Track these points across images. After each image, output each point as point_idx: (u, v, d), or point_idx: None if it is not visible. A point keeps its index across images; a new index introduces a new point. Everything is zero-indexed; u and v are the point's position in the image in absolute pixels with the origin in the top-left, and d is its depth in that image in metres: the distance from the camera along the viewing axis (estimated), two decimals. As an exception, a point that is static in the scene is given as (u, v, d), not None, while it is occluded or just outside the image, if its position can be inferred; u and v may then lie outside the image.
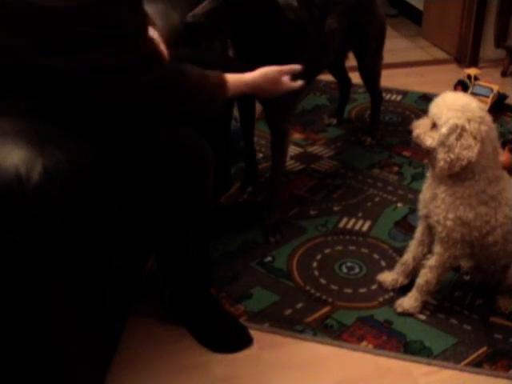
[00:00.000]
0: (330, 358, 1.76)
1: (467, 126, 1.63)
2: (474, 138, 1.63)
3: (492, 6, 3.54)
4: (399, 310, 1.89)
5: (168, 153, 1.51)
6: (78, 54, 1.31)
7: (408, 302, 1.89)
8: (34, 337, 1.36)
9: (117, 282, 1.69)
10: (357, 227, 2.27)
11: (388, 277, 1.99)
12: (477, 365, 1.73)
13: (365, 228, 2.27)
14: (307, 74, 2.02)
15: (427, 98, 3.18)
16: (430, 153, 1.72)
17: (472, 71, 3.20)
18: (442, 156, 1.67)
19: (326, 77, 2.98)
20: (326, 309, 1.91)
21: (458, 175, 1.69)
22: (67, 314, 1.42)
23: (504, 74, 3.49)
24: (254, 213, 2.27)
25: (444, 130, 1.65)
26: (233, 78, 1.64)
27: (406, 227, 2.25)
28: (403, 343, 1.79)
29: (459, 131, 1.63)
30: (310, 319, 1.87)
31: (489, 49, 3.63)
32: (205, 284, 1.82)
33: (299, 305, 1.92)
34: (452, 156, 1.65)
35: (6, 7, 1.25)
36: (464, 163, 1.64)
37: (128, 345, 1.77)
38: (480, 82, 3.09)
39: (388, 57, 2.80)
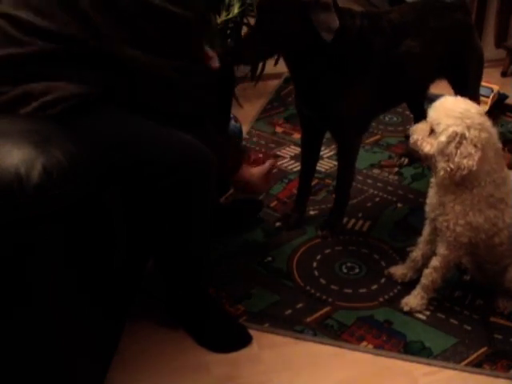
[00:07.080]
0: (330, 358, 1.76)
1: (467, 134, 1.59)
2: (475, 145, 1.59)
3: (492, 6, 3.54)
4: (406, 308, 1.89)
5: (167, 152, 1.51)
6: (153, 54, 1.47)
7: (414, 300, 1.89)
8: (33, 337, 1.35)
9: (117, 282, 1.69)
10: (357, 227, 2.28)
11: (398, 270, 2.01)
12: (477, 365, 1.73)
13: (365, 228, 2.27)
14: (382, 96, 2.02)
15: (427, 99, 3.17)
16: (428, 159, 1.69)
17: (472, 71, 3.20)
18: (441, 165, 1.64)
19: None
20: (326, 309, 1.91)
21: (464, 183, 1.67)
22: (67, 314, 1.42)
23: (504, 74, 3.49)
24: (255, 210, 2.28)
25: (443, 138, 1.61)
26: None
27: (405, 227, 2.25)
28: (403, 343, 1.79)
29: (458, 139, 1.59)
30: (309, 319, 1.87)
31: (489, 49, 3.63)
32: (205, 284, 1.82)
33: (299, 305, 1.92)
34: (452, 165, 1.61)
35: None
36: (464, 172, 1.61)
37: (128, 345, 1.77)
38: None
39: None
